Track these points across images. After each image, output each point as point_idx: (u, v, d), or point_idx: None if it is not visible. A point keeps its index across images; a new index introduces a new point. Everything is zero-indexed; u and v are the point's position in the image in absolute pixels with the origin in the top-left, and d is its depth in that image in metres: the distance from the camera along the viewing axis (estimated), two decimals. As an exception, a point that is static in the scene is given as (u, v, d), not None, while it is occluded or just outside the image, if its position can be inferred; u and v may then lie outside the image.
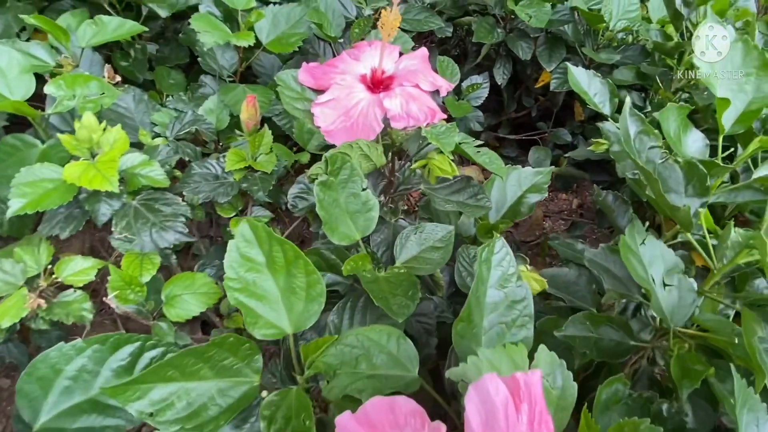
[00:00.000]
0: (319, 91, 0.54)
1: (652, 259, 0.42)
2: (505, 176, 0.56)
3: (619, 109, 0.87)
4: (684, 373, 0.36)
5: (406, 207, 0.64)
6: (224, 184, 0.63)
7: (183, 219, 0.51)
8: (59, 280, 0.55)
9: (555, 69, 1.06)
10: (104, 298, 0.52)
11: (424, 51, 0.58)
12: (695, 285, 0.40)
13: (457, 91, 1.10)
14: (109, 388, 0.32)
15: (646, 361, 0.46)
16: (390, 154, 0.56)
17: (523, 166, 1.52)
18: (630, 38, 1.06)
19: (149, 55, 0.97)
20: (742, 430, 0.29)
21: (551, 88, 1.06)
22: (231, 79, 0.90)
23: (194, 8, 0.97)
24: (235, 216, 0.67)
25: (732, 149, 0.57)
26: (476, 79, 1.09)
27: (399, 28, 1.04)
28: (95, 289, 0.82)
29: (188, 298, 0.54)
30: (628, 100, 0.44)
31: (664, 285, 0.41)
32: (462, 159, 1.49)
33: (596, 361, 0.44)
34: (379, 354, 0.37)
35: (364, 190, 0.46)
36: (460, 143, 0.57)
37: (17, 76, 0.66)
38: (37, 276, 0.54)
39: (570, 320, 0.44)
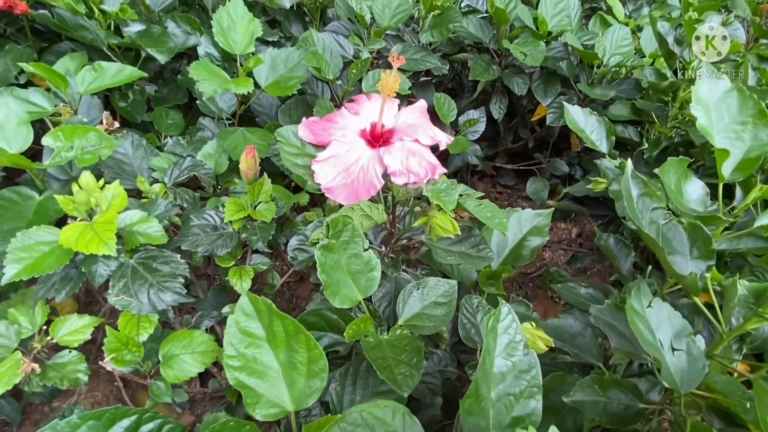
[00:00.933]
0: (320, 147, 0.54)
1: (660, 322, 0.41)
2: (506, 229, 0.55)
3: (616, 146, 0.87)
4: (698, 449, 0.36)
5: (407, 242, 0.63)
6: (223, 235, 0.62)
7: (182, 280, 0.50)
8: (54, 341, 0.53)
9: (551, 103, 1.07)
10: (100, 361, 0.51)
11: (422, 104, 0.58)
12: (704, 347, 0.40)
13: (455, 126, 1.11)
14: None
15: (656, 423, 0.45)
16: (390, 205, 0.56)
17: (521, 195, 1.52)
18: (624, 71, 1.07)
19: (147, 96, 0.97)
20: None
21: (547, 122, 1.07)
22: (230, 122, 0.90)
23: (193, 48, 0.98)
24: (233, 265, 0.66)
25: (732, 204, 0.57)
26: (473, 114, 1.10)
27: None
28: (92, 339, 0.80)
29: (186, 358, 0.53)
30: (629, 163, 0.44)
31: (673, 349, 0.40)
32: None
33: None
34: (384, 432, 0.36)
35: (365, 250, 0.46)
36: (461, 194, 0.57)
37: (15, 128, 0.66)
38: (32, 337, 0.53)
39: (578, 384, 0.43)
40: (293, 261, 0.58)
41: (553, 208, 0.75)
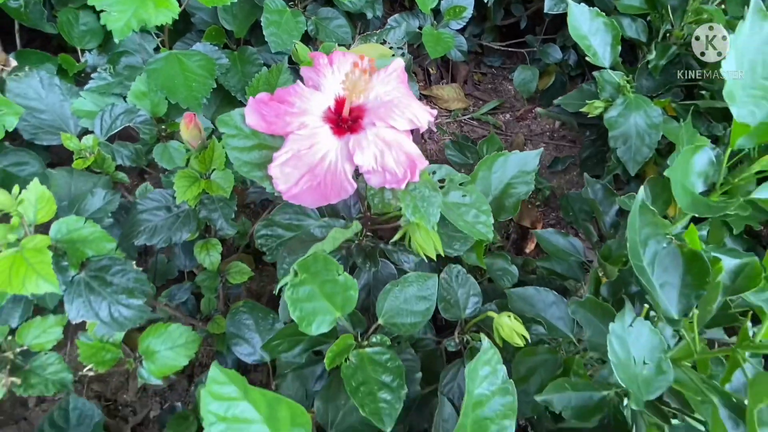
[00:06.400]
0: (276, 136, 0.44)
1: (638, 338, 0.41)
2: (490, 233, 0.49)
3: (622, 57, 0.76)
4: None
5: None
6: (180, 217, 0.56)
7: (144, 297, 0.46)
8: (25, 347, 0.52)
9: (552, -19, 0.88)
10: (80, 373, 0.50)
11: (399, 66, 0.47)
12: (671, 366, 0.41)
13: (437, 13, 0.93)
14: None
15: (615, 396, 0.50)
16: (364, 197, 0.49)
17: (507, 77, 1.39)
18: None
19: (44, -6, 0.75)
20: None
21: (545, 9, 0.90)
22: (158, 35, 0.72)
23: None
24: (198, 240, 0.62)
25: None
26: (458, -4, 0.91)
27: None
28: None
29: (168, 353, 0.53)
30: (641, 192, 0.37)
31: (644, 363, 0.41)
32: (441, 73, 1.34)
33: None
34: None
35: (340, 275, 0.42)
36: (441, 181, 0.50)
37: None
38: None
39: (551, 385, 0.45)
40: (261, 248, 0.54)
41: (541, 149, 0.69)
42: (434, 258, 0.44)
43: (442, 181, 0.50)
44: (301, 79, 0.47)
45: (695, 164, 0.50)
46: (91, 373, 0.51)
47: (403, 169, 0.43)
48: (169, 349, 0.53)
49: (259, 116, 0.43)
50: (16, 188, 0.45)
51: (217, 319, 0.71)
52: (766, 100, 0.49)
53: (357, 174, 0.44)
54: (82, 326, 0.57)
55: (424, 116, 0.45)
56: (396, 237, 0.47)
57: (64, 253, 0.47)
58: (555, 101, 0.86)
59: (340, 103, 0.45)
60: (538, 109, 1.07)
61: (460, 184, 0.49)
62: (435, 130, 1.24)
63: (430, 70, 1.29)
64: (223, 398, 0.36)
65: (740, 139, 0.49)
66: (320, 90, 0.44)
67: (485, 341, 0.39)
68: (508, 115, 1.29)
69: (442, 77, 1.31)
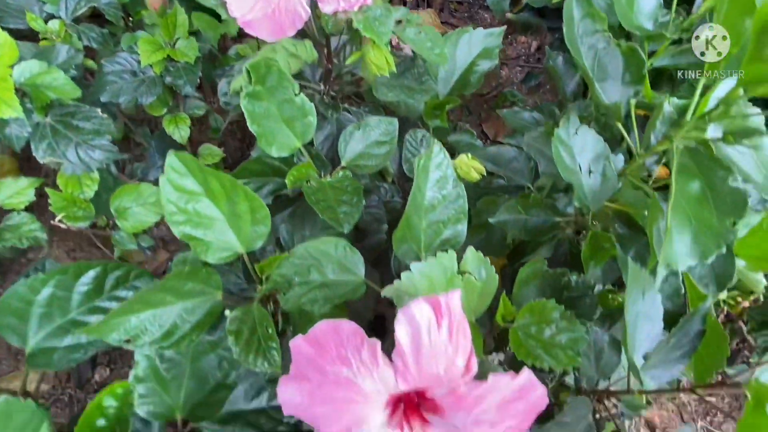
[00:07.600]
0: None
1: (583, 147, 0.43)
2: (446, 61, 0.51)
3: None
4: (593, 253, 0.42)
5: (351, 78, 0.59)
6: (145, 81, 0.56)
7: (108, 137, 0.48)
8: (-2, 205, 0.53)
9: None
10: (51, 221, 0.52)
11: None
12: (621, 166, 0.43)
13: None
14: (85, 329, 0.35)
15: (571, 230, 0.52)
16: (325, 38, 0.50)
17: (482, 4, 1.39)
18: None
19: None
20: (629, 302, 0.36)
21: None
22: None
23: None
24: (167, 114, 0.62)
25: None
26: None
27: None
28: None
29: (139, 209, 0.55)
30: None
31: (590, 172, 0.44)
32: (417, 0, 1.34)
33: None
34: (329, 263, 0.40)
35: (297, 94, 0.43)
36: (399, 21, 0.51)
37: None
38: (-28, 204, 0.52)
39: (503, 207, 0.48)
40: (226, 107, 0.55)
41: (504, 27, 0.70)
42: (387, 75, 0.46)
43: (400, 21, 0.51)
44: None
45: (641, 4, 0.51)
46: (62, 225, 0.52)
47: (356, -6, 0.44)
48: (140, 206, 0.54)
49: (213, -56, 0.44)
50: (-25, 26, 0.46)
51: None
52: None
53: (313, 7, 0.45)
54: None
55: (376, -54, 0.46)
56: (350, 59, 0.48)
57: (30, 99, 0.48)
58: (525, 0, 0.87)
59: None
60: (509, 15, 1.08)
61: (417, 24, 0.50)
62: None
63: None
64: (183, 191, 0.38)
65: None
66: None
67: (436, 145, 0.41)
68: (484, 43, 1.30)
69: (419, 5, 1.31)
